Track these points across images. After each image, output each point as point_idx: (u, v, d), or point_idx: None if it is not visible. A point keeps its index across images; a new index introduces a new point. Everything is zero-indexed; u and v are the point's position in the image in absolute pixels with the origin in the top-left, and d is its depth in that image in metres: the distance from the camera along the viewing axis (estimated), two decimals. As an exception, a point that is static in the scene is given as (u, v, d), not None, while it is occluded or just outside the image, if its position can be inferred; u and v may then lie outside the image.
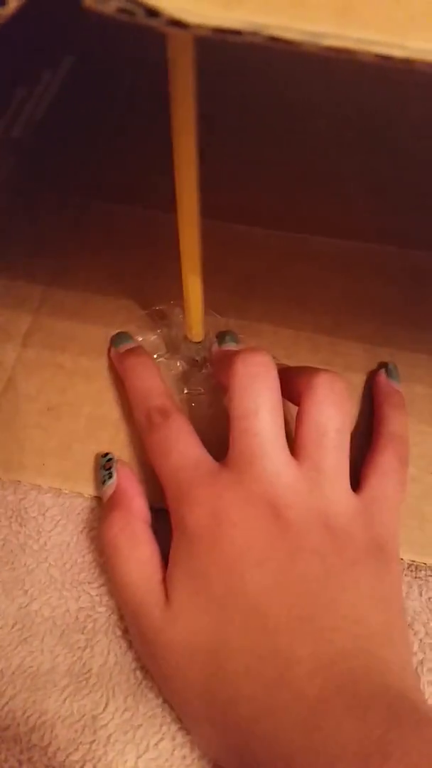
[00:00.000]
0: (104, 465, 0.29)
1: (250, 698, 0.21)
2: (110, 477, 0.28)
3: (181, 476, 0.26)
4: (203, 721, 0.23)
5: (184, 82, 0.20)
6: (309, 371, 0.26)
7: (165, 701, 0.25)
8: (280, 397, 0.25)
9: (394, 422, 0.30)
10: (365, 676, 0.20)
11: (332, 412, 0.25)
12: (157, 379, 0.31)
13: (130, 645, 0.26)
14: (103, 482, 0.29)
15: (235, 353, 0.26)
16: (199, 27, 0.13)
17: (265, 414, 0.25)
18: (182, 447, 0.27)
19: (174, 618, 0.23)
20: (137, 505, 0.27)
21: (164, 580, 0.24)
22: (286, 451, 0.25)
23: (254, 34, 0.13)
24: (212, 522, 0.24)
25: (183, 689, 0.23)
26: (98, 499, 0.30)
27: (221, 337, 0.33)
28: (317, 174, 0.42)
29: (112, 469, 0.29)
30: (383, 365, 0.33)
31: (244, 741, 0.21)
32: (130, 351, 0.32)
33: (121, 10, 0.13)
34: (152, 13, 0.13)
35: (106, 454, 0.30)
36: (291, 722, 0.20)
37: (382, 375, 0.32)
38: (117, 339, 0.33)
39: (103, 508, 0.28)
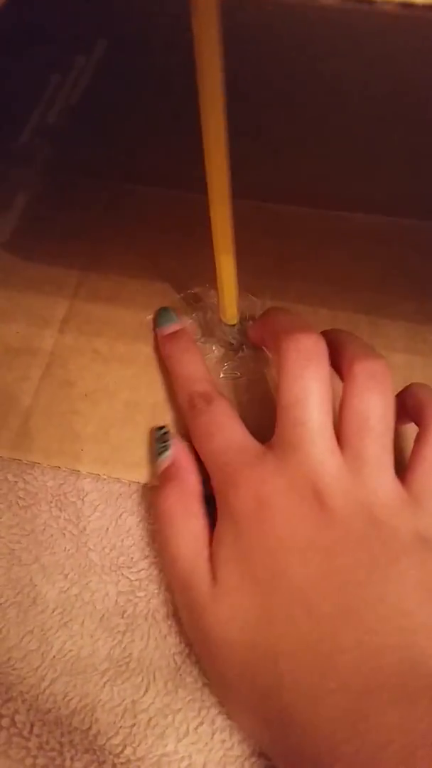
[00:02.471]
0: (160, 437, 0.29)
1: (293, 684, 0.21)
2: (166, 450, 0.28)
3: (225, 459, 0.26)
4: (244, 704, 0.23)
5: (210, 57, 0.19)
6: (352, 352, 0.26)
7: (206, 684, 0.25)
8: (330, 383, 0.25)
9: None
10: (411, 670, 0.20)
11: (374, 401, 0.24)
12: (199, 364, 0.31)
13: (170, 630, 0.26)
14: (159, 454, 0.29)
15: (287, 330, 0.26)
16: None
17: (314, 403, 0.24)
18: (226, 431, 0.27)
19: (220, 596, 0.23)
20: (192, 479, 0.27)
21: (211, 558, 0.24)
22: (333, 440, 0.24)
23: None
24: (256, 506, 0.24)
25: (225, 669, 0.23)
26: (136, 483, 0.30)
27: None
28: (353, 150, 0.41)
29: (168, 442, 0.29)
30: None
31: (284, 726, 0.21)
32: (174, 335, 0.32)
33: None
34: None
35: (162, 427, 0.30)
36: (335, 711, 0.20)
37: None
38: (161, 317, 0.33)
39: (158, 480, 0.28)
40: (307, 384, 0.24)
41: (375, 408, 0.24)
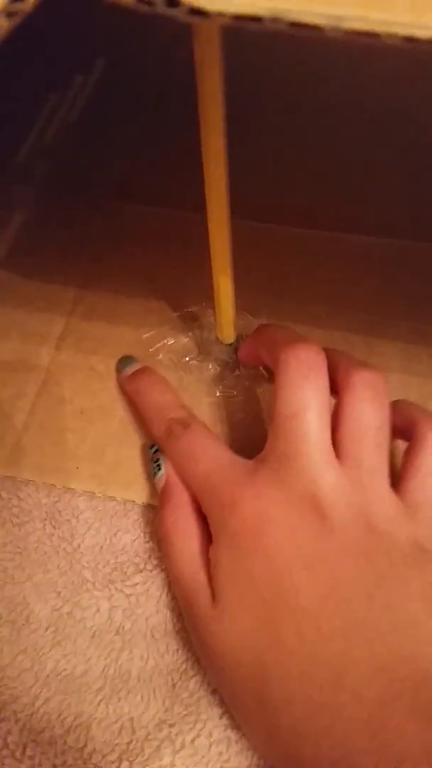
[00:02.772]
0: (152, 457, 0.29)
1: (305, 700, 0.21)
2: (159, 469, 0.28)
3: (215, 479, 0.26)
4: (253, 719, 0.22)
5: (211, 78, 0.19)
6: (348, 365, 0.26)
7: (202, 697, 0.25)
8: (329, 395, 0.25)
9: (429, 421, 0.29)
10: (425, 681, 0.20)
11: (372, 410, 0.24)
12: (171, 393, 0.31)
13: (167, 648, 0.26)
14: (154, 474, 0.29)
15: (286, 342, 0.25)
16: (219, 15, 0.12)
17: (314, 415, 0.24)
18: (212, 451, 0.27)
19: (221, 616, 0.23)
20: (186, 496, 0.27)
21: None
22: (331, 451, 0.24)
23: (274, 20, 0.12)
24: (254, 522, 0.23)
25: (234, 685, 0.23)
26: (131, 502, 0.30)
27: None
28: (349, 172, 0.41)
29: (160, 461, 0.29)
30: None
31: (297, 740, 0.21)
32: (139, 372, 0.32)
33: (141, 1, 0.13)
34: (172, 2, 0.13)
35: (153, 445, 0.30)
36: (351, 724, 0.20)
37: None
38: (122, 363, 0.33)
39: (158, 500, 0.28)
40: (307, 395, 0.24)
41: (373, 417, 0.24)
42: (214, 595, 0.24)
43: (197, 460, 0.27)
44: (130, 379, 0.32)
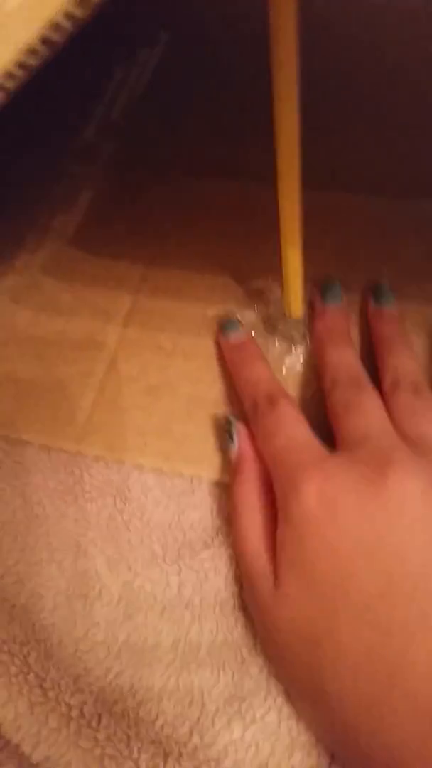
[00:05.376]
0: (226, 429, 0.29)
1: (359, 694, 0.20)
2: (232, 441, 0.28)
3: (288, 458, 0.25)
4: (310, 706, 0.22)
5: (287, 47, 0.19)
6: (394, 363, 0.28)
7: (272, 673, 0.25)
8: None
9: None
10: None
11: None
12: (264, 368, 0.30)
13: (236, 622, 0.26)
14: (228, 447, 0.29)
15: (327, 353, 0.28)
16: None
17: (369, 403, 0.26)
18: (290, 430, 0.26)
19: (282, 600, 0.23)
20: (256, 469, 0.27)
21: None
22: (395, 434, 0.24)
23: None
24: (320, 507, 0.23)
25: (291, 669, 0.23)
26: (198, 478, 0.30)
27: (324, 290, 0.32)
28: (418, 139, 0.40)
29: (233, 432, 0.29)
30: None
31: (350, 733, 0.20)
32: (241, 344, 0.32)
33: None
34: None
35: (227, 417, 0.30)
36: (404, 724, 0.19)
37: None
38: (225, 327, 0.33)
39: (230, 472, 0.28)
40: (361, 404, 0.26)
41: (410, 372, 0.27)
42: (276, 578, 0.23)
43: (275, 437, 0.26)
44: (230, 348, 0.32)
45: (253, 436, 0.28)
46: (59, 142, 0.43)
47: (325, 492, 0.23)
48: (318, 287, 0.33)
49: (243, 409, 0.30)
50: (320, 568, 0.22)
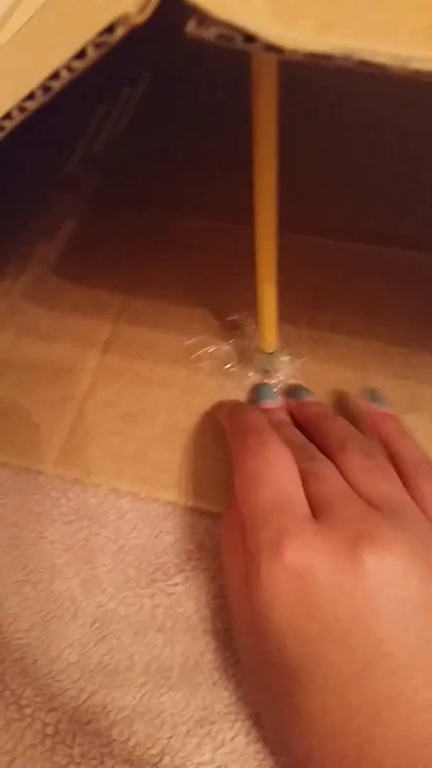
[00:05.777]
0: None
1: (325, 760, 0.21)
2: None
3: (268, 515, 0.23)
4: (276, 735, 0.23)
5: (267, 98, 0.20)
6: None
7: (241, 697, 0.26)
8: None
9: (405, 452, 0.28)
10: None
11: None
12: (260, 416, 0.29)
13: (207, 647, 0.27)
14: None
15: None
16: (293, 52, 0.13)
17: (326, 471, 0.25)
18: (279, 481, 0.24)
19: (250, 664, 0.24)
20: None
21: None
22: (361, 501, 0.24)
23: (345, 58, 0.13)
24: (295, 580, 0.21)
25: (262, 702, 0.24)
26: (173, 504, 0.31)
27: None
28: (390, 186, 0.42)
29: None
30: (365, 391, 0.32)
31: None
32: (237, 404, 0.32)
33: (221, 37, 0.14)
34: (250, 39, 0.13)
35: None
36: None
37: (367, 404, 0.31)
38: (260, 394, 0.33)
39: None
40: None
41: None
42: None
43: (261, 485, 0.24)
44: (228, 411, 0.31)
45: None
46: (43, 172, 0.44)
47: (301, 563, 0.22)
48: (253, 390, 0.34)
49: (231, 449, 0.28)
50: (288, 644, 0.21)
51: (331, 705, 0.20)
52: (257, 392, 0.33)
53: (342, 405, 0.33)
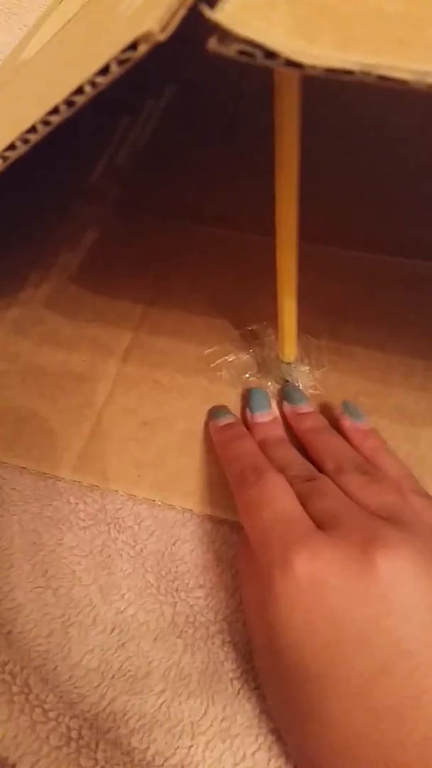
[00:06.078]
0: None
1: None
2: None
3: (275, 533, 0.24)
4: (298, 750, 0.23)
5: (289, 112, 0.21)
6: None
7: (263, 711, 0.25)
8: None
9: (389, 468, 0.29)
10: None
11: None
12: (251, 444, 0.30)
13: (227, 656, 0.27)
14: None
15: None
16: (313, 68, 0.14)
17: (327, 488, 0.26)
18: (278, 503, 0.25)
19: (272, 681, 0.24)
20: None
21: None
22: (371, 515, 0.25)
23: (365, 74, 0.14)
24: (308, 588, 0.22)
25: (285, 719, 0.24)
26: (189, 512, 0.31)
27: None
28: (413, 199, 0.42)
29: None
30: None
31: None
32: (227, 426, 0.32)
33: (242, 53, 0.14)
34: (270, 55, 0.14)
35: None
36: None
37: (347, 420, 0.31)
38: (215, 413, 0.33)
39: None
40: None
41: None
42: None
43: (262, 509, 0.25)
44: (219, 429, 0.32)
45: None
46: (67, 183, 0.45)
47: (313, 572, 0.22)
48: (247, 397, 0.34)
49: (229, 480, 0.29)
50: (307, 654, 0.22)
51: (355, 711, 0.21)
52: (251, 401, 0.33)
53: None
